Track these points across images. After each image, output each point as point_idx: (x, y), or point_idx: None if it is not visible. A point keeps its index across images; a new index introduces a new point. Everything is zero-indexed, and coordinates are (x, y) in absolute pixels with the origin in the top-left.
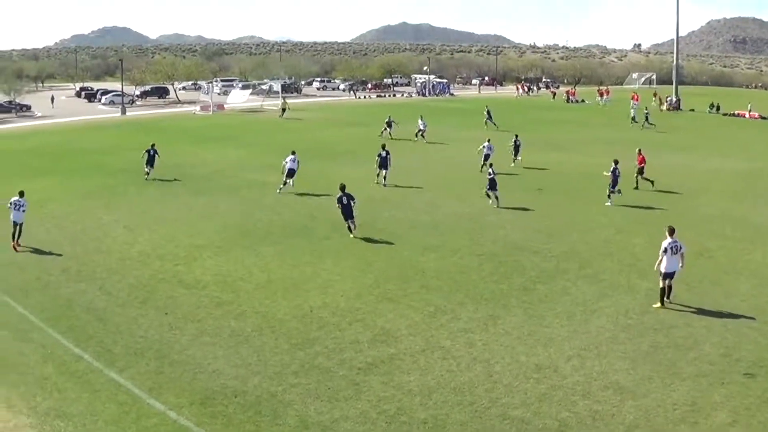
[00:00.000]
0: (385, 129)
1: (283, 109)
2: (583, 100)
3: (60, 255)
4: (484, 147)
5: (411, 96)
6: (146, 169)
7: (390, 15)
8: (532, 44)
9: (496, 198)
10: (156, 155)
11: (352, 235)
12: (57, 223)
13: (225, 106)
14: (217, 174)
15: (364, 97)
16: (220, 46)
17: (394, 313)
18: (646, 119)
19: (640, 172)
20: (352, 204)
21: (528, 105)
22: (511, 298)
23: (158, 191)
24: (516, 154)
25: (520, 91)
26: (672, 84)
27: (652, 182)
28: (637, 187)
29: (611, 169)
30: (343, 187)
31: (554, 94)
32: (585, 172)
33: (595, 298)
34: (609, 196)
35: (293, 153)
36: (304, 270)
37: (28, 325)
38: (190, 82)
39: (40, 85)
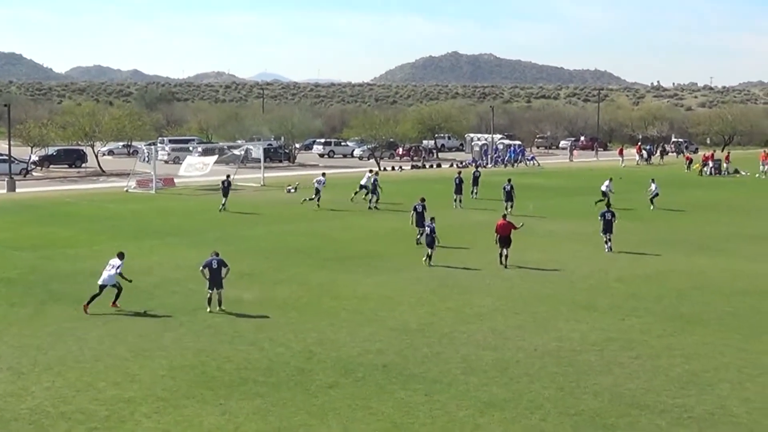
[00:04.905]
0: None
1: (294, 188)
2: (736, 171)
3: None
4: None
5: (466, 165)
6: (223, 201)
7: (433, 44)
8: (655, 84)
9: None
10: (229, 186)
11: (209, 309)
12: None
13: (176, 180)
14: (161, 288)
15: (393, 168)
16: (168, 87)
17: None
18: None
19: None
20: (223, 271)
21: (644, 181)
22: None
23: (68, 313)
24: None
25: (637, 157)
26: None
27: None
28: None
29: None
30: (216, 254)
31: (690, 160)
32: (744, 288)
33: None
34: None
35: None
36: None
37: None
38: (120, 144)
39: None
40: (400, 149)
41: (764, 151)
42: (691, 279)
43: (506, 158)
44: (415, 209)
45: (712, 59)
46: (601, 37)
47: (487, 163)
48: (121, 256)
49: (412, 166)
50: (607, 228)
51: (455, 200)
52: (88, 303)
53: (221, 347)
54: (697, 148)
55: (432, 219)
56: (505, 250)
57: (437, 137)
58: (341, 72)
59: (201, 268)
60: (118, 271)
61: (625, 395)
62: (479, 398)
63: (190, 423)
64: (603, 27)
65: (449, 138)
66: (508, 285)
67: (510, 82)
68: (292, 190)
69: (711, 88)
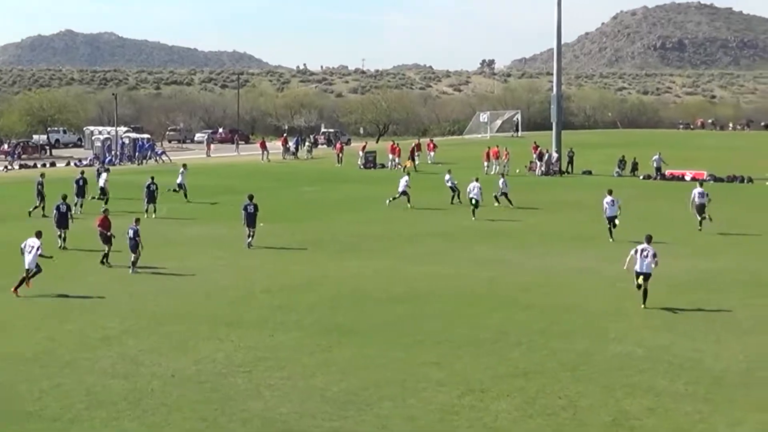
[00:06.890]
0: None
1: None
2: (382, 165)
3: None
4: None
5: (85, 163)
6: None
7: (43, 21)
8: (301, 68)
9: None
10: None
11: None
12: None
13: None
14: None
15: (5, 168)
16: None
17: None
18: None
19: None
20: None
21: (292, 176)
22: None
23: None
24: None
25: (282, 150)
26: (551, 129)
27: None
28: None
29: None
30: None
31: (341, 151)
32: (402, 292)
33: None
34: None
35: None
36: None
37: None
38: None
39: None
40: (5, 146)
41: (393, 143)
42: (345, 285)
43: (134, 154)
44: (58, 209)
45: (363, 40)
46: (238, 15)
47: (112, 160)
48: (38, 234)
49: (21, 166)
50: (250, 221)
51: (76, 204)
52: (17, 287)
53: None
54: (349, 139)
55: (137, 220)
56: (107, 248)
57: (50, 131)
58: None
59: None
60: (39, 251)
61: (276, 421)
62: None
63: None
64: (239, 3)
65: (65, 132)
66: (139, 301)
67: (135, 66)
68: None
69: (363, 72)
